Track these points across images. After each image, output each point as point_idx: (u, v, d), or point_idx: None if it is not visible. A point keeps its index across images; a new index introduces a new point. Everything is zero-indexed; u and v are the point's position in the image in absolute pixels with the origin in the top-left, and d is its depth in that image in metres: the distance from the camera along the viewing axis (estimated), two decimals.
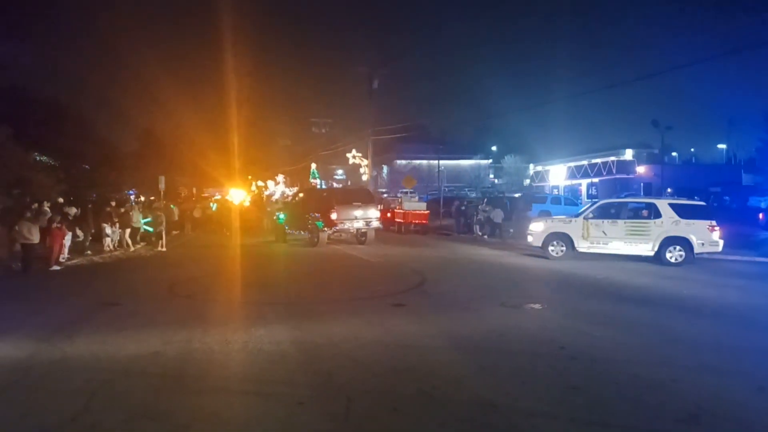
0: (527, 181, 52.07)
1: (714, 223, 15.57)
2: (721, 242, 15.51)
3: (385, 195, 39.84)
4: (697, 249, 15.33)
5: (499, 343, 7.29)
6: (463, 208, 27.49)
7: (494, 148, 58.66)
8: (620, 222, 15.94)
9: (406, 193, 32.33)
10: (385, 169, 61.25)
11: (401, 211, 28.58)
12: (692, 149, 55.17)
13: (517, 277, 13.35)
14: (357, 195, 22.52)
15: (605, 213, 16.34)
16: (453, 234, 26.81)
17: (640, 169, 44.88)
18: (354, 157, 47.14)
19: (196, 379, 5.94)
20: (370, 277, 13.82)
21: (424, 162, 55.69)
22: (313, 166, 46.58)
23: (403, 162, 57.88)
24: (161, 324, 8.28)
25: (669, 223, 15.55)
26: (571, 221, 16.62)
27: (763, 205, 25.28)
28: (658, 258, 15.42)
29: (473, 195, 40.00)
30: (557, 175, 50.23)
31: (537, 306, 9.70)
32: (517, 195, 38.35)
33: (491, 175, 57.46)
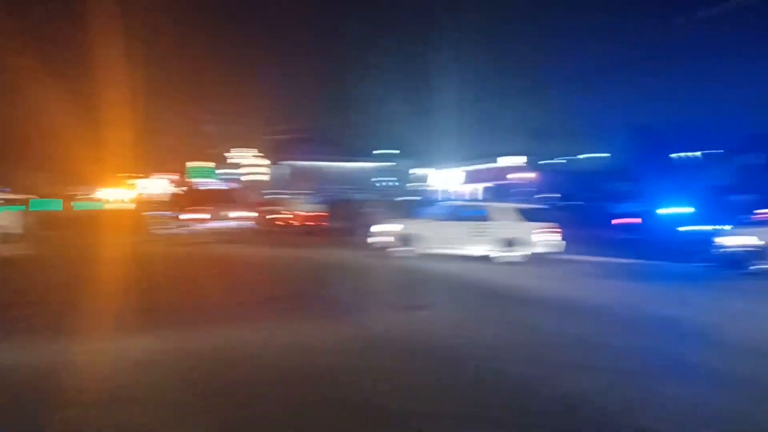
0: (421, 184, 53.05)
1: (555, 225, 16.46)
2: (563, 243, 16.35)
3: (280, 196, 39.05)
4: (536, 249, 16.05)
5: (382, 346, 7.01)
6: (357, 210, 27.27)
7: (388, 151, 59.28)
8: (465, 224, 16.43)
9: (301, 193, 31.78)
10: (282, 168, 60.18)
11: (294, 212, 27.98)
12: (577, 156, 58.61)
13: (395, 279, 13.17)
14: (220, 195, 22.21)
15: (451, 215, 16.86)
16: (346, 236, 26.48)
17: (529, 175, 47.12)
18: (246, 156, 45.84)
19: (56, 393, 5.23)
20: (252, 280, 13.06)
21: (323, 163, 55.26)
22: (192, 164, 44.76)
23: (302, 162, 57.11)
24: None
25: (510, 225, 16.21)
26: (416, 222, 16.99)
27: (623, 210, 27.09)
28: (500, 258, 15.95)
29: (369, 197, 40.09)
30: (449, 179, 51.50)
31: (426, 307, 9.64)
32: (410, 198, 38.85)
33: (386, 178, 58.01)
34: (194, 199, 20.55)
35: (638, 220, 23.42)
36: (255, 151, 60.39)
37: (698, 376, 6.10)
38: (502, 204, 18.40)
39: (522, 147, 51.15)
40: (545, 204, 22.11)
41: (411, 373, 5.96)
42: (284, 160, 57.11)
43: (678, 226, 18.82)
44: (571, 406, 5.07)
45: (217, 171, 60.46)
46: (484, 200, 30.25)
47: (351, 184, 52.37)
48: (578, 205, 33.72)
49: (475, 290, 11.84)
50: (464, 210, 17.61)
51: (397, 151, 57.94)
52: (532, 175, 46.70)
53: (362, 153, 57.94)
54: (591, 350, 7.07)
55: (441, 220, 16.77)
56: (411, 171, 55.61)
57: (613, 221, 24.07)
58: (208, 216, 19.98)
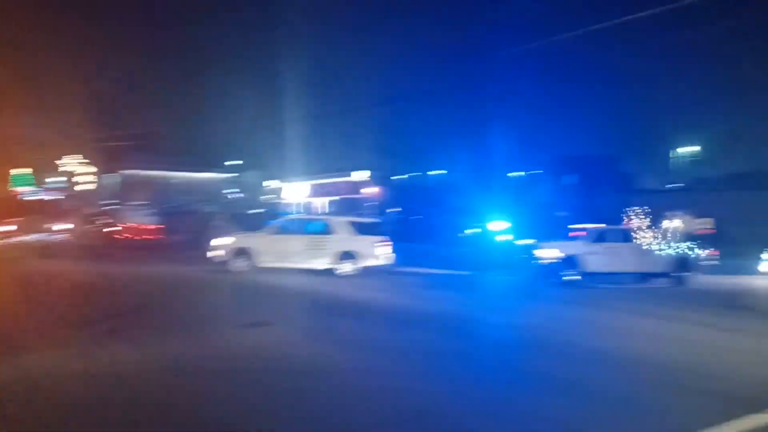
0: (268, 197, 52.39)
1: (385, 238, 17.35)
2: (393, 256, 17.21)
3: (115, 207, 36.44)
4: (369, 262, 16.80)
5: (224, 365, 6.78)
6: (198, 223, 26.32)
7: (234, 162, 57.77)
8: (301, 237, 16.77)
9: (136, 205, 29.95)
10: (116, 178, 56.05)
11: (129, 225, 26.33)
12: (417, 173, 61.27)
13: (232, 295, 12.94)
14: (36, 205, 20.48)
15: (287, 228, 17.19)
16: (185, 250, 25.40)
17: (373, 190, 48.46)
18: (78, 164, 42.25)
19: None
20: (79, 299, 12.03)
21: (159, 173, 52.32)
22: (16, 172, 40.46)
23: (136, 172, 53.60)
24: None
25: (345, 239, 16.82)
26: (254, 236, 16.99)
27: (460, 225, 28.99)
28: (336, 271, 16.47)
29: (211, 210, 38.78)
30: (299, 192, 51.46)
31: (264, 323, 9.42)
32: (257, 211, 38.23)
33: (231, 190, 56.41)
34: (6, 209, 18.44)
35: (469, 235, 25.16)
36: (88, 159, 55.82)
37: (526, 380, 6.61)
38: (338, 218, 19.05)
39: (371, 161, 52.46)
40: (383, 218, 22.94)
41: (251, 393, 5.80)
42: (119, 169, 53.37)
43: (505, 241, 20.49)
44: (410, 413, 5.31)
45: (47, 180, 55.02)
46: (323, 214, 30.70)
47: (196, 196, 50.24)
48: (418, 219, 35.45)
49: (315, 304, 12.01)
50: (301, 224, 17.87)
51: (240, 162, 56.63)
52: (376, 189, 48.11)
53: (212, 164, 55.85)
54: (430, 358, 7.50)
55: (279, 234, 16.79)
56: (265, 183, 54.64)
57: (455, 235, 25.48)
58: (14, 228, 18.06)
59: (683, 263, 18.13)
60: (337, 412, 5.32)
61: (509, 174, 50.66)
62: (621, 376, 6.89)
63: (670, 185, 40.96)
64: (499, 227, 21.30)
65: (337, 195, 49.35)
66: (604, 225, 18.57)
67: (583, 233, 18.06)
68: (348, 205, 43.07)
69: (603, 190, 44.69)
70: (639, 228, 18.38)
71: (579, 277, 16.83)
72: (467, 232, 25.68)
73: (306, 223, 18.03)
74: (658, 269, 18.03)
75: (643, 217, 18.71)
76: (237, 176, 56.58)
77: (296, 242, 16.59)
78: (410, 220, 39.31)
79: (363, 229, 17.42)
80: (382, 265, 17.04)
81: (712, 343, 9.27)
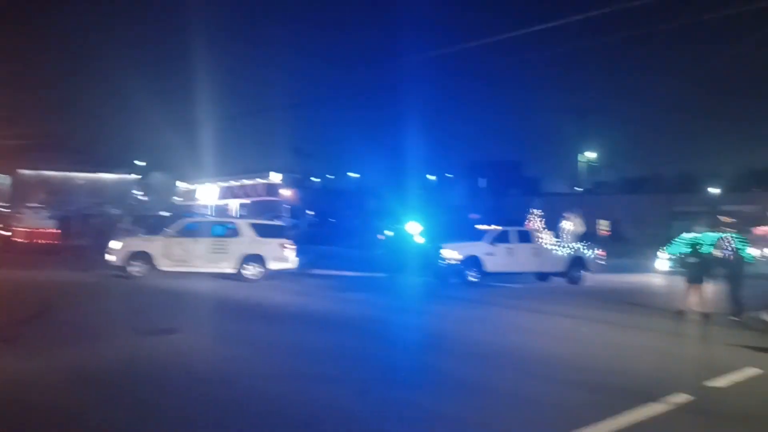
0: (177, 200, 50.66)
1: (288, 241, 17.18)
2: (297, 259, 17.15)
3: (5, 209, 34.06)
4: (273, 266, 16.63)
5: (128, 375, 6.49)
6: (99, 225, 24.99)
7: (140, 162, 55.37)
8: (204, 240, 16.35)
9: (32, 207, 28.10)
10: (4, 179, 52.28)
11: (23, 228, 24.67)
12: (331, 176, 61.23)
13: (131, 301, 12.34)
14: None
15: (189, 232, 16.58)
16: (83, 254, 24.04)
17: (287, 192, 47.92)
18: None
19: None
20: None
21: (59, 173, 49.32)
22: None
23: (31, 172, 50.24)
24: None
25: (248, 241, 16.58)
26: (153, 239, 16.38)
27: (374, 227, 29.15)
28: (240, 275, 16.21)
29: (116, 212, 37.10)
30: (208, 194, 50.08)
31: (170, 329, 9.06)
32: (166, 214, 36.83)
33: (137, 192, 54.07)
34: None
35: (384, 237, 25.40)
36: None
37: (436, 382, 6.74)
38: (241, 220, 18.71)
39: (286, 164, 51.85)
40: (298, 221, 22.71)
41: (160, 402, 5.56)
42: (14, 168, 49.83)
43: (419, 243, 20.82)
44: (319, 416, 5.31)
45: None
46: (229, 216, 29.96)
47: (101, 198, 47.71)
48: (334, 222, 35.38)
49: (221, 309, 11.75)
50: (204, 226, 17.28)
51: (144, 163, 54.36)
52: (291, 192, 47.64)
53: (120, 164, 53.19)
54: (340, 361, 7.52)
55: (179, 237, 16.24)
56: (178, 185, 52.68)
57: (371, 238, 25.57)
58: None
59: (579, 262, 19.03)
60: (248, 418, 5.23)
61: (423, 177, 51.68)
62: (523, 374, 7.18)
63: (577, 189, 43.22)
64: (414, 230, 21.63)
65: (249, 197, 48.43)
66: (501, 227, 19.04)
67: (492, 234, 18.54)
68: (261, 208, 42.34)
69: (511, 193, 46.62)
70: (538, 229, 19.15)
71: (478, 278, 17.29)
72: (382, 235, 25.92)
73: (208, 225, 17.48)
74: (555, 268, 18.81)
75: (541, 218, 19.52)
76: (143, 177, 54.29)
77: (198, 245, 16.11)
78: (326, 223, 39.24)
79: (268, 232, 17.16)
80: (287, 269, 16.87)
81: (610, 340, 9.83)
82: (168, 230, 16.50)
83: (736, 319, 11.73)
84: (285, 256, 16.75)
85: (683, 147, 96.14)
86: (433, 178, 56.60)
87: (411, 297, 15.32)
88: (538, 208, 19.73)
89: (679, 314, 11.59)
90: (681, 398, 6.08)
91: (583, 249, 19.31)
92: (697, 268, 11.81)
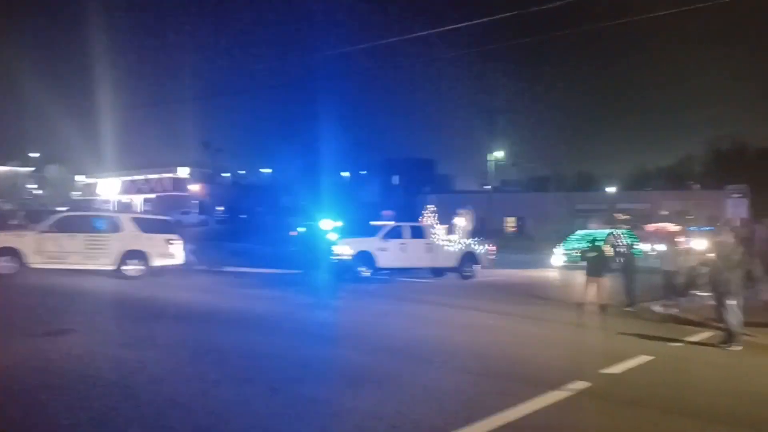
0: (75, 194, 47.80)
1: (175, 236, 16.39)
2: (182, 255, 16.43)
3: None
4: (156, 262, 15.81)
5: (19, 380, 5.97)
6: None
7: (34, 154, 51.77)
8: (80, 236, 15.23)
9: None
10: None
11: None
12: (242, 171, 59.94)
13: (9, 299, 11.38)
14: None
15: (64, 226, 15.41)
16: None
17: (195, 188, 46.36)
18: None
19: None
20: None
21: None
22: None
23: None
24: None
25: (130, 237, 15.65)
26: (23, 235, 15.22)
27: (285, 223, 28.82)
28: (120, 272, 15.31)
29: (7, 207, 34.81)
30: (110, 188, 47.62)
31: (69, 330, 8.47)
32: (62, 209, 34.65)
33: (31, 186, 50.56)
34: None
35: (297, 234, 25.11)
36: None
37: (345, 376, 6.66)
38: (121, 214, 17.66)
39: (195, 158, 50.07)
40: (205, 217, 21.82)
41: (60, 408, 5.18)
42: None
43: (330, 239, 20.67)
44: (227, 419, 5.15)
45: None
46: (117, 211, 28.28)
47: None
48: (244, 218, 34.56)
49: (114, 308, 11.08)
50: (80, 220, 16.07)
51: (38, 155, 50.92)
52: (199, 187, 46.13)
53: (12, 156, 49.44)
54: (249, 360, 7.28)
55: (53, 232, 15.09)
56: (77, 179, 49.63)
57: (282, 234, 25.17)
58: None
59: (470, 258, 19.34)
60: (152, 425, 4.94)
61: (337, 174, 51.62)
62: (429, 365, 7.27)
63: (486, 186, 44.59)
64: (326, 226, 21.42)
65: (155, 192, 46.48)
66: (393, 223, 19.06)
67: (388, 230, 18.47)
68: (168, 204, 40.69)
69: (423, 191, 47.43)
70: (431, 225, 19.46)
71: (369, 273, 17.24)
72: (295, 231, 25.56)
73: (86, 219, 16.30)
74: (448, 264, 18.97)
75: (435, 215, 19.86)
76: (37, 170, 50.82)
77: (73, 241, 15.01)
78: (236, 220, 38.24)
79: (151, 227, 16.25)
80: (173, 265, 16.21)
81: (514, 330, 10.20)
82: (41, 225, 15.34)
83: (631, 310, 12.52)
84: (170, 252, 15.93)
85: (583, 148, 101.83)
86: (347, 174, 56.64)
87: (321, 293, 15.16)
88: (432, 204, 19.94)
89: (579, 306, 12.15)
90: (580, 385, 6.37)
91: (474, 245, 19.69)
92: (595, 261, 12.42)
